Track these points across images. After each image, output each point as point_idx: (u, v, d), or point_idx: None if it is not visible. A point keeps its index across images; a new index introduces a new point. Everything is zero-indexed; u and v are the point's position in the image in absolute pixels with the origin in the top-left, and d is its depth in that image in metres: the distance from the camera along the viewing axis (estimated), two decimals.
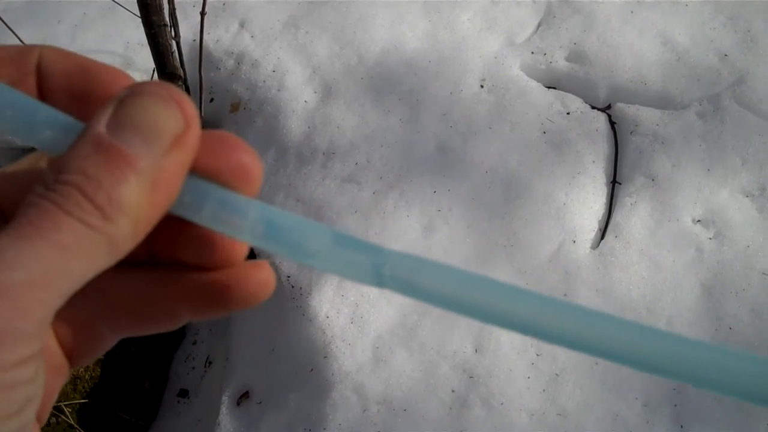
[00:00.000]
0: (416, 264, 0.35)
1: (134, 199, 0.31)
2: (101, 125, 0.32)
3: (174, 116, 0.33)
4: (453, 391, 1.50)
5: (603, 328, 0.33)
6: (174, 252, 0.38)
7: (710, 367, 0.32)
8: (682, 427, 1.44)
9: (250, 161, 0.35)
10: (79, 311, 0.36)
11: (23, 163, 0.39)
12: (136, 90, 0.33)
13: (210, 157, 0.34)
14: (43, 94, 0.37)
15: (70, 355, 0.37)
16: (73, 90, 0.37)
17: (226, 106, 2.01)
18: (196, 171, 0.35)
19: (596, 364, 1.51)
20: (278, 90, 1.90)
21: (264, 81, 1.92)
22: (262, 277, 0.38)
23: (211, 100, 2.05)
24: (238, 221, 0.34)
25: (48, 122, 0.33)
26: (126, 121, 0.32)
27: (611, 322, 0.34)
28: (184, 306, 0.38)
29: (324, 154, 1.79)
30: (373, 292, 1.59)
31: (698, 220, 1.63)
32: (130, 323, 0.38)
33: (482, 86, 1.85)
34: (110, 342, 0.38)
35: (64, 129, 0.33)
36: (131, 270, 0.37)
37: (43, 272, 0.29)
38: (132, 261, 0.36)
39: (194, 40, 1.98)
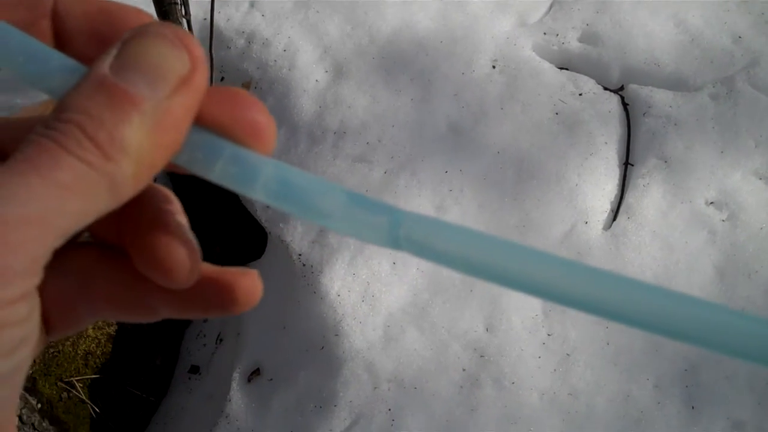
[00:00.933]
0: (433, 225, 0.34)
1: (137, 139, 0.30)
2: (105, 66, 0.31)
3: (180, 57, 0.32)
4: (464, 370, 1.49)
5: (623, 291, 0.32)
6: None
7: (728, 331, 0.31)
8: (693, 408, 1.42)
9: (264, 119, 0.34)
10: (61, 286, 0.35)
11: (29, 110, 0.38)
12: (140, 31, 0.32)
13: (223, 113, 0.33)
14: (62, 37, 0.36)
15: (46, 326, 0.36)
16: (94, 33, 0.35)
17: (237, 85, 1.99)
18: (208, 127, 0.34)
19: (607, 344, 1.49)
20: (289, 69, 1.87)
21: (275, 60, 1.90)
22: (248, 286, 0.38)
23: (222, 79, 2.03)
24: (250, 179, 0.33)
25: (60, 69, 0.33)
26: (130, 62, 0.31)
27: (631, 285, 0.33)
28: (161, 304, 0.37)
29: (335, 133, 1.76)
30: (384, 270, 1.58)
31: (711, 202, 1.61)
32: (107, 308, 0.37)
33: (494, 67, 1.83)
34: (86, 322, 0.37)
35: (76, 75, 0.32)
36: (117, 256, 0.36)
37: (40, 209, 0.28)
38: (119, 247, 0.36)
39: (204, 19, 1.95)
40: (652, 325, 0.32)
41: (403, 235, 0.34)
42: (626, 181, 1.67)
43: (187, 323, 1.88)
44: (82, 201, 0.29)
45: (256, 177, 0.33)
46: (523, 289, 0.33)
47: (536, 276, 0.33)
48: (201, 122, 0.33)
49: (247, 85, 1.94)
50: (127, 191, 0.31)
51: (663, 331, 0.32)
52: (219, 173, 0.33)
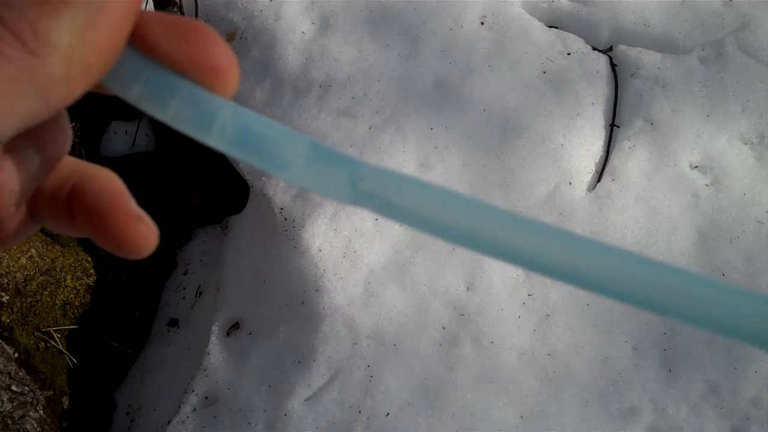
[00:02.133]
0: (396, 180, 0.32)
1: (66, 37, 0.27)
2: None
3: None
4: (443, 328, 1.47)
5: (598, 258, 0.31)
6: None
7: (709, 305, 0.30)
8: (670, 371, 1.41)
9: (225, 59, 0.31)
10: None
11: None
12: None
13: (181, 48, 0.31)
14: None
15: None
16: None
17: (222, 35, 1.93)
18: (165, 63, 0.31)
19: (587, 305, 1.48)
20: (275, 20, 1.82)
21: (261, 10, 1.84)
22: (140, 233, 0.35)
23: None
24: (206, 122, 0.31)
25: None
26: None
27: (608, 252, 0.31)
28: (47, 216, 0.36)
29: (320, 86, 1.72)
30: (366, 226, 1.55)
31: (696, 166, 1.59)
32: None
33: (482, 23, 1.78)
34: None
35: None
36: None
37: None
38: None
39: None
40: (625, 296, 0.30)
41: (364, 189, 0.31)
42: (612, 143, 1.64)
43: (166, 276, 1.85)
44: (7, 102, 0.26)
45: (213, 121, 0.31)
46: (491, 252, 0.31)
47: (506, 239, 0.31)
48: (157, 57, 0.31)
49: (231, 36, 1.88)
50: (59, 94, 0.28)
51: (638, 301, 0.30)
52: (172, 114, 0.31)
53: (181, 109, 0.31)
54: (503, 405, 1.41)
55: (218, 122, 0.31)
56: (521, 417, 1.40)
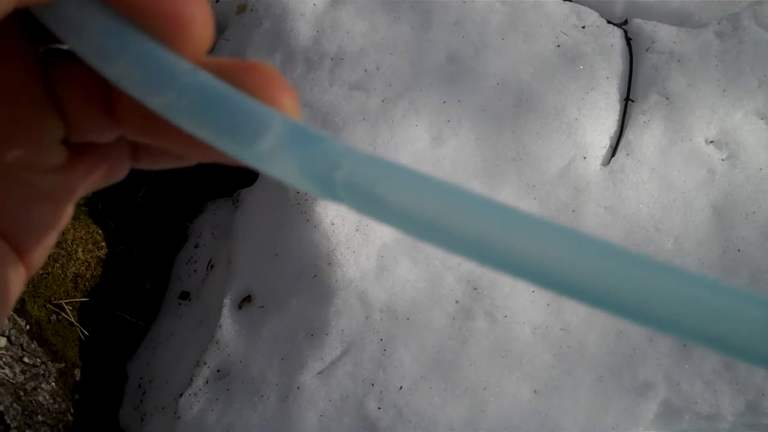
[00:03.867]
0: (385, 169, 0.25)
1: None
2: None
3: None
4: (457, 302, 1.44)
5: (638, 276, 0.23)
6: None
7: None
8: (685, 346, 1.38)
9: (193, 9, 0.25)
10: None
11: None
12: None
13: None
14: None
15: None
16: None
17: (233, 8, 1.89)
18: (119, 10, 0.25)
19: None
20: None
21: None
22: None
23: (217, 0, 1.93)
24: (159, 84, 0.25)
25: None
26: None
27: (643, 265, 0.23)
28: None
29: (332, 59, 1.68)
30: None
31: (711, 141, 1.55)
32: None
33: None
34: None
35: None
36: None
37: None
38: None
39: None
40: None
41: (342, 180, 0.25)
42: (626, 117, 1.60)
43: (177, 248, 1.82)
44: None
45: (166, 86, 0.25)
46: (512, 270, 0.24)
47: (536, 256, 0.24)
48: (112, 3, 0.25)
49: (242, 8, 1.84)
50: None
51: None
52: (119, 71, 0.25)
53: (129, 68, 0.25)
54: (516, 379, 1.39)
55: (174, 88, 0.25)
56: (534, 391, 1.38)
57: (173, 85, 0.25)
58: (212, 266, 1.74)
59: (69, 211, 0.32)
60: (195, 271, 1.77)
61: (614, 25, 1.70)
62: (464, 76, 1.64)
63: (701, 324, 0.23)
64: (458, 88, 1.63)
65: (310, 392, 1.42)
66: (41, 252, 0.32)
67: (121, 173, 0.33)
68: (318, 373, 1.43)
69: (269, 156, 0.25)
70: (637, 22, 1.69)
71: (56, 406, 1.53)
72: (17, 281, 0.31)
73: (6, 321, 1.46)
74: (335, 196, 0.25)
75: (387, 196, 0.24)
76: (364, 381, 1.41)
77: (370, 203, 0.25)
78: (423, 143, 1.57)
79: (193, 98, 0.25)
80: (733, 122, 1.56)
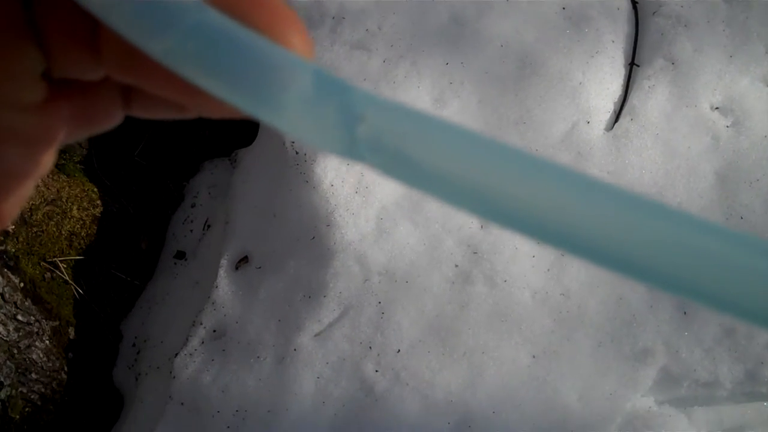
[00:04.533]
0: (416, 122, 0.21)
1: None
2: None
3: None
4: (456, 266, 1.42)
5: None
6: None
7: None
8: (685, 313, 1.37)
9: None
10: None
11: None
12: None
13: None
14: None
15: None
16: None
17: None
18: None
19: None
20: None
21: None
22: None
23: None
24: (157, 24, 0.21)
25: None
26: None
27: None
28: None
29: (334, 18, 1.64)
30: None
31: (716, 107, 1.52)
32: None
33: None
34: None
35: None
36: None
37: None
38: None
39: None
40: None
41: (365, 135, 0.21)
42: (631, 82, 1.57)
43: (173, 208, 1.79)
44: None
45: (165, 26, 0.21)
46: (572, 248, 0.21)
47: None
48: None
49: None
50: None
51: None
52: (105, 5, 0.21)
53: (118, 2, 0.21)
54: (515, 344, 1.37)
55: (175, 30, 0.21)
56: (533, 356, 1.36)
57: (175, 25, 0.21)
58: (209, 226, 1.71)
59: (48, 158, 0.28)
60: (191, 230, 1.74)
61: None
62: (467, 38, 1.60)
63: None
64: (461, 49, 1.59)
65: (307, 354, 1.40)
66: (14, 203, 0.28)
67: (111, 119, 0.29)
68: (315, 335, 1.41)
69: (291, 112, 0.21)
70: None
71: (50, 365, 1.51)
72: None
73: None
74: (355, 154, 0.21)
75: (418, 156, 0.20)
76: (361, 344, 1.39)
77: (398, 164, 0.21)
78: (425, 105, 1.54)
79: (199, 42, 0.21)
80: (738, 88, 1.52)
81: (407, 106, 0.21)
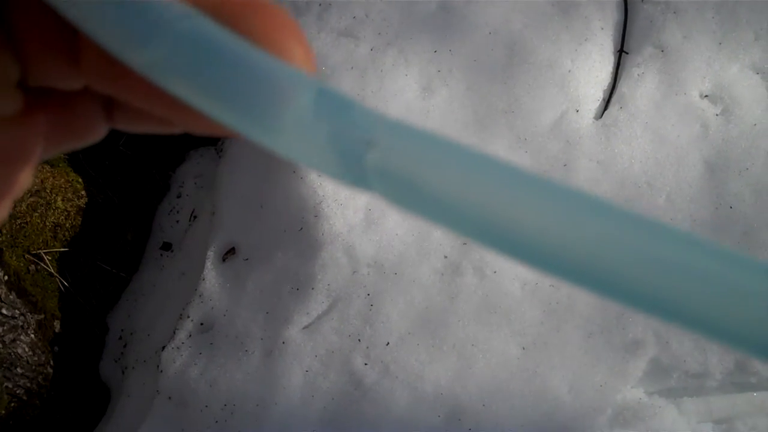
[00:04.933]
0: (431, 148, 0.19)
1: None
2: None
3: None
4: (445, 257, 1.41)
5: None
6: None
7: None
8: None
9: None
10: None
11: None
12: None
13: None
14: None
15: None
16: None
17: None
18: None
19: None
20: None
21: None
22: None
23: None
24: (142, 33, 0.19)
25: None
26: None
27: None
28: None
29: (320, 5, 1.61)
30: None
31: (706, 95, 1.51)
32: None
33: None
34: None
35: None
36: None
37: None
38: None
39: None
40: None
41: (375, 163, 0.19)
42: (620, 70, 1.55)
43: (159, 198, 1.76)
44: None
45: (151, 35, 0.19)
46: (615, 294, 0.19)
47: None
48: None
49: None
50: None
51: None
52: (83, 12, 0.19)
53: (98, 8, 0.19)
54: (505, 336, 1.36)
55: (162, 40, 0.19)
56: (523, 348, 1.35)
57: (162, 35, 0.19)
58: (195, 217, 1.69)
59: (26, 176, 0.26)
60: (177, 221, 1.72)
61: None
62: (456, 25, 1.58)
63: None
64: (449, 37, 1.57)
65: (295, 347, 1.38)
66: None
67: (92, 133, 0.27)
68: (304, 328, 1.39)
69: (290, 134, 0.19)
70: None
71: (35, 358, 1.49)
72: None
73: None
74: (365, 184, 0.19)
75: (434, 186, 0.19)
76: (350, 336, 1.38)
77: (411, 195, 0.19)
78: (412, 93, 1.52)
79: (187, 54, 0.19)
80: (728, 76, 1.51)
81: (421, 129, 0.19)
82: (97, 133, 0.27)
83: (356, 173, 0.19)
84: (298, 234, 1.45)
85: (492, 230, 0.19)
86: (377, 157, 0.19)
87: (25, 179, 0.26)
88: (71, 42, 0.23)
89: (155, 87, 0.20)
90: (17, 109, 0.24)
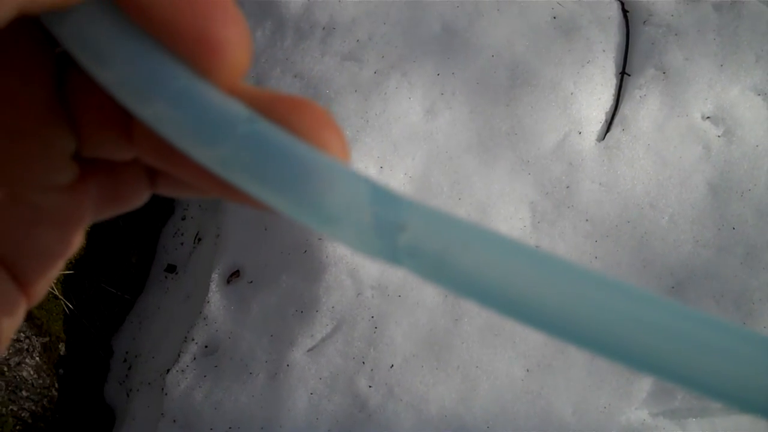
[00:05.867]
0: (458, 231, 0.21)
1: None
2: None
3: None
4: None
5: None
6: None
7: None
8: None
9: (229, 32, 0.20)
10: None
11: None
12: None
13: (171, 12, 0.20)
14: None
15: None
16: None
17: None
18: (134, 19, 0.20)
19: (595, 258, 1.41)
20: None
21: None
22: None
23: None
24: (211, 134, 0.21)
25: None
26: None
27: None
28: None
29: (324, 28, 1.62)
30: (371, 174, 1.47)
31: (708, 117, 1.51)
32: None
33: None
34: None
35: None
36: None
37: None
38: None
39: None
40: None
41: (406, 244, 0.21)
42: (622, 92, 1.56)
43: (163, 221, 1.77)
44: None
45: (219, 136, 0.21)
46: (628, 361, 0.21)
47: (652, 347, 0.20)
48: (128, 11, 0.20)
49: None
50: None
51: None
52: (156, 112, 0.21)
53: (169, 110, 0.21)
54: (509, 358, 1.36)
55: (229, 140, 0.21)
56: (527, 370, 1.35)
57: (229, 136, 0.21)
58: (200, 239, 1.70)
59: (77, 238, 0.28)
60: (182, 243, 1.72)
61: None
62: (459, 48, 1.59)
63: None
64: (452, 59, 1.58)
65: (299, 370, 1.38)
66: (44, 283, 0.27)
67: (137, 199, 0.28)
68: (308, 351, 1.39)
69: (338, 221, 0.22)
70: None
71: (40, 381, 1.49)
72: (16, 314, 0.26)
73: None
74: (396, 260, 0.22)
75: (460, 263, 0.21)
76: (354, 359, 1.38)
77: (439, 271, 0.21)
78: (416, 116, 1.52)
79: (253, 153, 0.21)
80: (729, 98, 1.52)
81: (448, 214, 0.22)
82: (141, 198, 0.29)
83: (390, 252, 0.22)
84: (303, 256, 1.45)
85: (502, 303, 0.21)
86: (407, 239, 0.22)
87: (77, 240, 0.28)
88: (126, 119, 0.24)
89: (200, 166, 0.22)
90: (73, 178, 0.25)
